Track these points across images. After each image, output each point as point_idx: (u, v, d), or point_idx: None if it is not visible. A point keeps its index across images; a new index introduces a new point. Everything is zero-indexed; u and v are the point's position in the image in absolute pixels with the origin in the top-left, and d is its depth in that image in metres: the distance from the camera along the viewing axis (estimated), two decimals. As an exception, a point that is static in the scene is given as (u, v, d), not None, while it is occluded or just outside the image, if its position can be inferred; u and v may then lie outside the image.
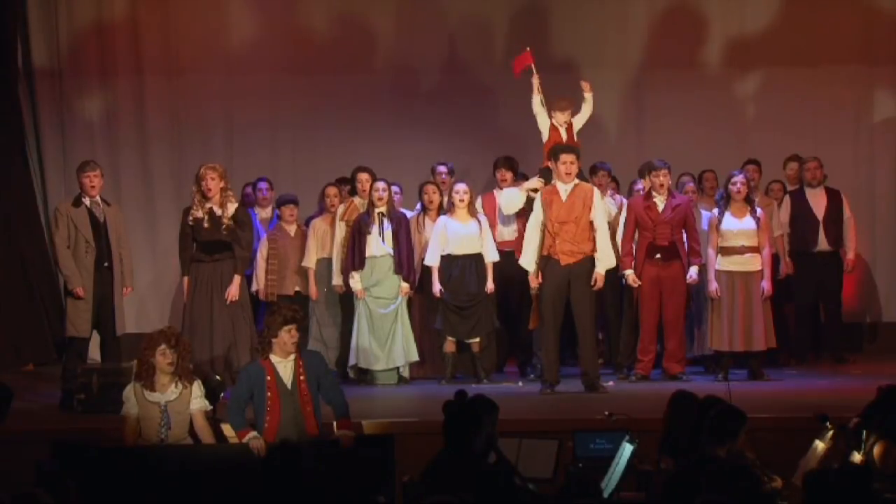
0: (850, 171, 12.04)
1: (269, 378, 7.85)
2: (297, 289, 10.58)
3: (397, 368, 10.25)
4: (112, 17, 12.18)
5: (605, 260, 9.66)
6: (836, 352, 11.27)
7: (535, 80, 10.33)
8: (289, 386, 7.85)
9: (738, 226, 10.10)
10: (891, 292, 12.29)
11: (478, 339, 10.23)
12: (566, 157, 9.64)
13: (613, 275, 10.01)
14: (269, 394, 7.82)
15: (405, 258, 10.20)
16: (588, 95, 10.44)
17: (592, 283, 9.61)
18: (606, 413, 7.72)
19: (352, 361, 10.25)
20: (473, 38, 12.22)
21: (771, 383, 10.00)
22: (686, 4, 12.35)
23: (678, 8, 12.33)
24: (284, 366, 7.88)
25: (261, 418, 7.83)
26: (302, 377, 7.87)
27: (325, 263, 10.52)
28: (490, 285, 10.17)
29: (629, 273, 10.05)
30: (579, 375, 9.80)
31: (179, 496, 7.37)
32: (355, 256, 10.17)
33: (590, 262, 9.60)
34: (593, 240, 9.61)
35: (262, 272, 10.53)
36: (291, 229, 10.68)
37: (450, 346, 10.23)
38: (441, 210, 10.46)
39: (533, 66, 10.45)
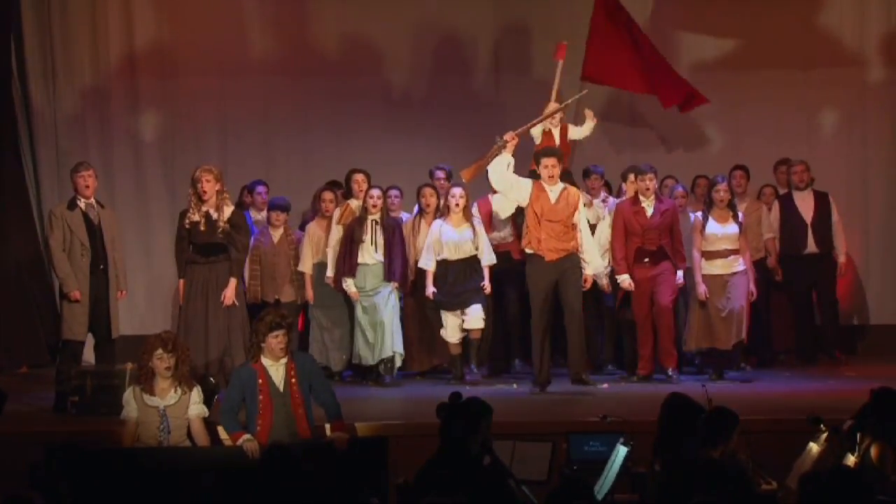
0: (842, 174, 12.05)
1: (260, 381, 7.86)
2: (276, 297, 10.44)
3: (388, 359, 10.21)
4: (106, 18, 12.16)
5: (592, 263, 9.82)
6: (830, 353, 11.28)
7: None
8: (280, 388, 7.86)
9: (721, 230, 10.20)
10: (883, 294, 12.30)
11: (479, 327, 10.20)
12: (547, 161, 9.70)
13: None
14: (260, 397, 7.84)
15: (397, 266, 10.19)
16: (590, 123, 10.78)
17: (583, 284, 9.78)
18: (601, 415, 7.72)
19: (355, 360, 10.25)
20: (468, 43, 12.21)
21: (766, 385, 10.01)
22: (678, 8, 12.35)
23: (670, 12, 12.33)
24: (276, 368, 7.89)
25: (253, 421, 7.84)
26: (294, 379, 7.88)
27: (320, 268, 10.50)
28: (486, 284, 10.17)
29: (625, 278, 10.07)
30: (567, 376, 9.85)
31: (173, 498, 7.37)
32: (347, 263, 10.16)
33: (575, 257, 9.71)
34: (576, 239, 9.70)
35: (247, 277, 10.40)
36: (276, 235, 10.56)
37: (454, 348, 10.24)
38: (438, 213, 10.46)
39: (561, 62, 10.59)
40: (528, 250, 9.72)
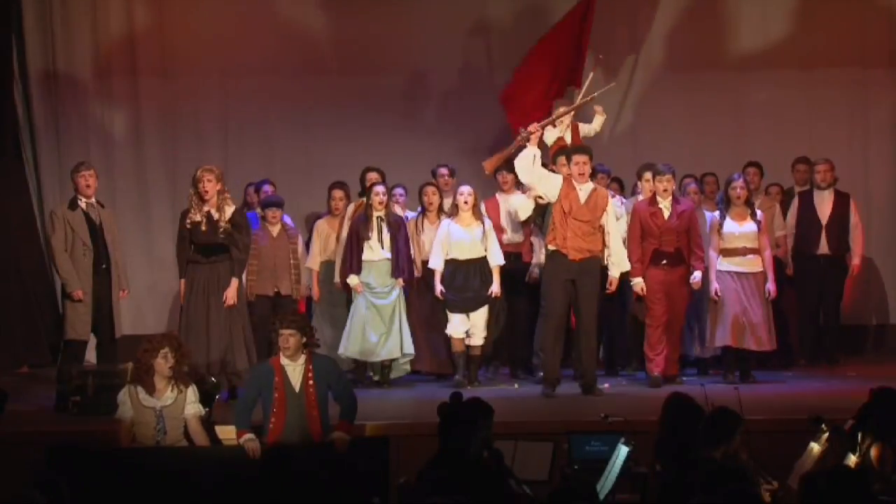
0: (845, 172, 12.00)
1: (276, 379, 7.85)
2: (276, 289, 10.40)
3: (395, 360, 10.21)
4: (107, 18, 12.16)
5: (619, 264, 9.72)
6: (830, 354, 11.27)
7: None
8: (297, 388, 7.85)
9: (739, 229, 10.09)
10: (884, 294, 12.30)
11: (479, 344, 10.17)
12: (579, 158, 9.60)
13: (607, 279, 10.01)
14: (276, 394, 7.83)
15: (404, 262, 10.19)
16: (600, 119, 10.66)
17: (608, 287, 9.70)
18: (602, 415, 7.72)
19: (341, 349, 10.17)
20: (473, 39, 12.21)
21: (767, 385, 10.00)
22: (684, 9, 12.35)
23: (676, 12, 12.33)
24: (293, 368, 7.88)
25: (267, 418, 7.84)
26: (311, 381, 7.85)
27: (327, 266, 10.51)
28: (496, 288, 10.10)
29: (639, 281, 9.94)
30: (573, 377, 9.81)
31: (173, 498, 7.36)
32: (353, 260, 10.15)
33: (596, 262, 9.62)
34: (602, 241, 9.62)
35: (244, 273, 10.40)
36: (274, 230, 10.52)
37: (457, 345, 10.16)
38: (441, 211, 10.44)
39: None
40: (550, 247, 9.59)
